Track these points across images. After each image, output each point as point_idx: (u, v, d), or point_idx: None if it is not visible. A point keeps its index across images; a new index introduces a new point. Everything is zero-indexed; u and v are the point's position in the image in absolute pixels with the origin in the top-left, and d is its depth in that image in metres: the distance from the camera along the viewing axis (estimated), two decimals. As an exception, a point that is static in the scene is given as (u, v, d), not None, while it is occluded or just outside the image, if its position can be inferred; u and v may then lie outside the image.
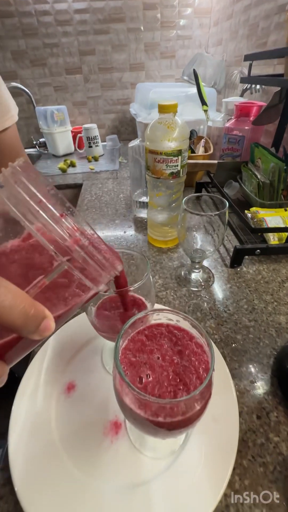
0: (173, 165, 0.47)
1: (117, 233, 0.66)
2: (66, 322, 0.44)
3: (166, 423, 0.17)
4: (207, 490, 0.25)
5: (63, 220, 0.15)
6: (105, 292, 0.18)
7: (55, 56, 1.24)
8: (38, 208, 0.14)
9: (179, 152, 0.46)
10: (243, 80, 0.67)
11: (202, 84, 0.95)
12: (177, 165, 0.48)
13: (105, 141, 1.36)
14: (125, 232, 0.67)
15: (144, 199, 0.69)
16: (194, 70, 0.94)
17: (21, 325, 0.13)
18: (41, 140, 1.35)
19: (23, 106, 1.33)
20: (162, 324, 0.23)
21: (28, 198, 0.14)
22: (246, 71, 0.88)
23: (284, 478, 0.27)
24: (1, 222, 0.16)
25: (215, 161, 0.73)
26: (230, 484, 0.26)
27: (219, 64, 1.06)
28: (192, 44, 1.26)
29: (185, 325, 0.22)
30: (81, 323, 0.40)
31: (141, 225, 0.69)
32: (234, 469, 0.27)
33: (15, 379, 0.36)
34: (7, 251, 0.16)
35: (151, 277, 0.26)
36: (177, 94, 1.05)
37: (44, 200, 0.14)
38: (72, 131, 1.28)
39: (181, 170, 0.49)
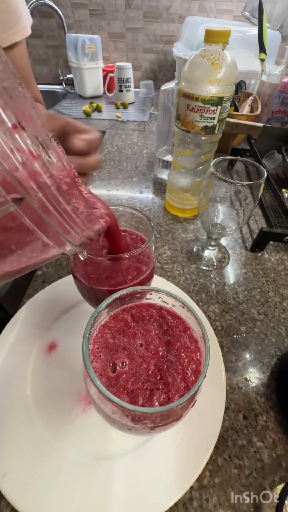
0: (209, 117, 0.39)
1: (132, 193, 0.60)
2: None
3: (131, 426, 0.14)
4: (172, 480, 0.23)
5: (16, 135, 0.09)
6: (74, 255, 0.14)
7: None
8: None
9: (219, 101, 0.37)
10: None
11: (266, 23, 0.77)
12: (214, 118, 0.39)
13: (138, 88, 1.20)
14: (141, 192, 0.60)
15: (168, 158, 0.61)
16: (260, 1, 0.76)
17: None
18: (68, 76, 1.21)
19: (53, 31, 1.17)
20: (155, 306, 0.19)
21: None
22: None
23: (258, 485, 0.25)
24: None
25: (260, 124, 0.61)
26: (199, 479, 0.24)
27: (293, -2, 0.84)
28: None
29: (181, 312, 0.18)
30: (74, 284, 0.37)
31: (160, 187, 0.62)
32: (206, 464, 0.25)
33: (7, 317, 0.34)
34: None
35: (153, 246, 0.21)
36: (232, 34, 0.87)
37: None
38: (103, 70, 1.13)
39: (218, 125, 0.40)
